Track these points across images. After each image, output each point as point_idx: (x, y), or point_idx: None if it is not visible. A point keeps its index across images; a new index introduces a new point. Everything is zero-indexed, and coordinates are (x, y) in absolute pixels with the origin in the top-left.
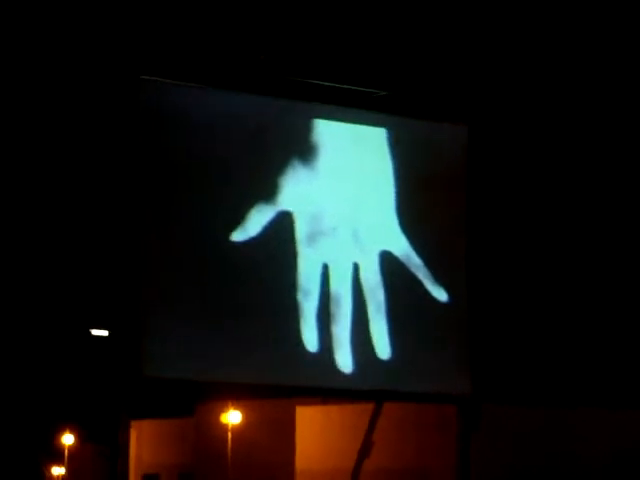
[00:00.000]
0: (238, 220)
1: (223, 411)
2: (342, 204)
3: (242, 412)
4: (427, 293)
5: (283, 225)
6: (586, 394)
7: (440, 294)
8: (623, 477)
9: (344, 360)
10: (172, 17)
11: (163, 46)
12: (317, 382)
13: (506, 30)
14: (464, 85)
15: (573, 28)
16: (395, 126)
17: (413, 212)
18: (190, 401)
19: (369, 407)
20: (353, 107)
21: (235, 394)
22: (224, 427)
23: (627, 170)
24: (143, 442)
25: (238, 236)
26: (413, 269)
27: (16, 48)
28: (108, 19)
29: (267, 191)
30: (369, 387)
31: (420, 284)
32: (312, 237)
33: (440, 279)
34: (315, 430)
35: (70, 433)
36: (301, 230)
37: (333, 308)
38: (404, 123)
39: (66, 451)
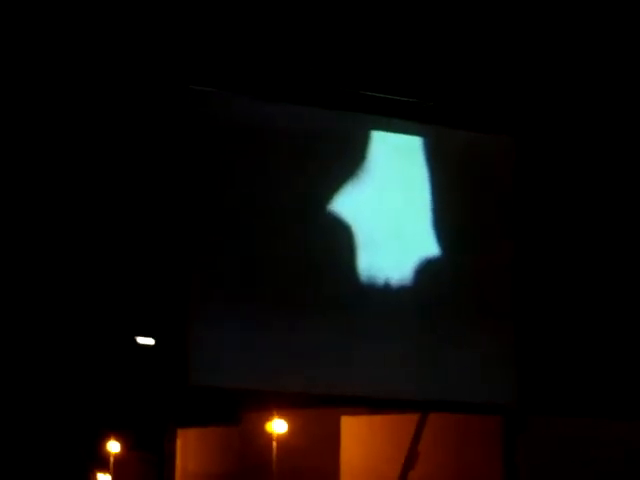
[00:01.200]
0: (288, 231)
1: (268, 420)
2: (390, 216)
3: (287, 421)
4: (471, 302)
5: (333, 237)
6: (633, 405)
7: (485, 302)
8: None
9: (391, 370)
10: (226, 27)
11: (217, 57)
12: (364, 392)
13: (554, 41)
14: (511, 96)
15: (620, 42)
16: (440, 137)
17: (456, 225)
18: (236, 410)
19: (414, 417)
20: (399, 117)
21: (281, 403)
22: (269, 436)
23: None
24: (188, 451)
25: (284, 249)
26: (457, 279)
27: (63, 53)
28: (160, 26)
29: (320, 201)
30: (415, 397)
31: (464, 293)
32: (363, 248)
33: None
34: (360, 440)
35: (116, 441)
36: (351, 242)
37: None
38: (449, 134)
39: (112, 458)
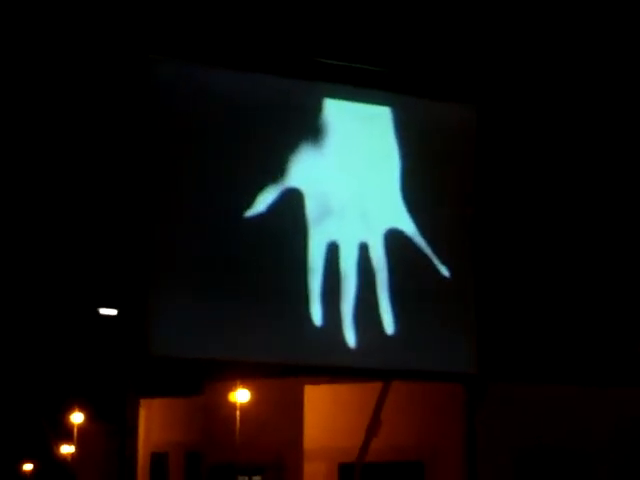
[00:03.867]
0: (247, 200)
1: (231, 390)
2: (350, 183)
3: (250, 391)
4: (434, 271)
5: (292, 204)
6: (592, 371)
7: (446, 272)
8: (630, 454)
9: (352, 338)
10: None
11: (173, 25)
12: (325, 360)
13: (515, 12)
14: (472, 65)
15: (584, 12)
16: (403, 105)
17: (420, 191)
18: (199, 380)
19: (377, 386)
20: (361, 86)
21: (243, 373)
22: (232, 406)
23: (633, 150)
24: (152, 421)
25: (246, 215)
26: (420, 247)
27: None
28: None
29: (276, 171)
30: (377, 366)
31: (427, 262)
32: (321, 216)
33: (446, 257)
34: (323, 409)
35: (79, 412)
36: (310, 209)
37: (341, 286)
38: (412, 102)
39: (75, 429)
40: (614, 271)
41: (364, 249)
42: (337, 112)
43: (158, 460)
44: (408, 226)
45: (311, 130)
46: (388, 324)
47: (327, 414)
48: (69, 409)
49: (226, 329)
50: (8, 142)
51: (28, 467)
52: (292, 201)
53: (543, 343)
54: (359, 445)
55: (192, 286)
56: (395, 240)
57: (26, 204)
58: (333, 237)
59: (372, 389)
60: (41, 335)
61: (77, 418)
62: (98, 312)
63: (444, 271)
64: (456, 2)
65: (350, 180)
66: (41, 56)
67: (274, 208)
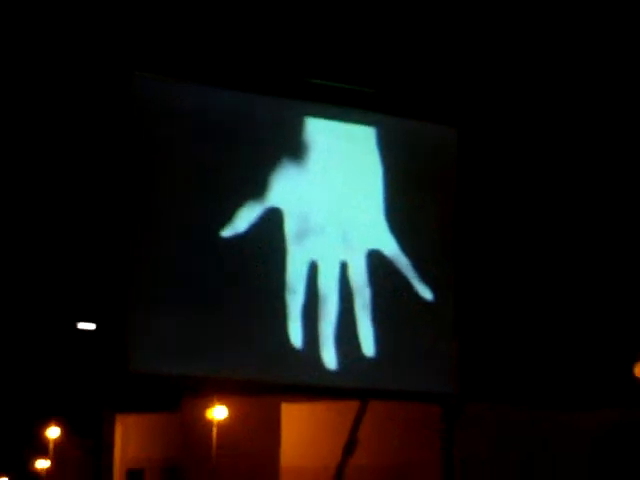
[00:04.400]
0: (226, 217)
1: (209, 407)
2: (331, 202)
3: (228, 408)
4: (414, 292)
5: (272, 222)
6: (569, 395)
7: (427, 294)
8: (603, 477)
9: (330, 358)
10: (165, 14)
11: (156, 42)
12: (302, 379)
13: (497, 34)
14: (454, 87)
15: (563, 32)
16: (385, 125)
17: (402, 212)
18: (176, 396)
19: (354, 405)
20: (343, 105)
21: (220, 390)
22: (209, 423)
23: (616, 172)
24: (129, 437)
25: (226, 233)
26: (401, 268)
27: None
28: (105, 14)
29: (256, 188)
30: (354, 385)
31: (407, 283)
32: (301, 235)
33: (427, 279)
34: (300, 427)
35: (56, 426)
36: (290, 228)
37: (320, 306)
38: (394, 122)
39: (51, 444)
40: (594, 294)
41: (344, 269)
42: (319, 131)
43: (134, 476)
44: (390, 246)
45: (292, 148)
46: (367, 344)
47: (304, 432)
48: (45, 423)
49: (205, 346)
50: None
51: None
52: (272, 219)
53: (523, 365)
54: (336, 464)
55: (171, 303)
56: (376, 260)
57: (2, 216)
58: (313, 256)
59: (349, 408)
60: (17, 349)
61: (53, 432)
62: (76, 327)
63: (425, 291)
64: (441, 24)
65: (331, 199)
66: (21, 68)
67: (254, 226)
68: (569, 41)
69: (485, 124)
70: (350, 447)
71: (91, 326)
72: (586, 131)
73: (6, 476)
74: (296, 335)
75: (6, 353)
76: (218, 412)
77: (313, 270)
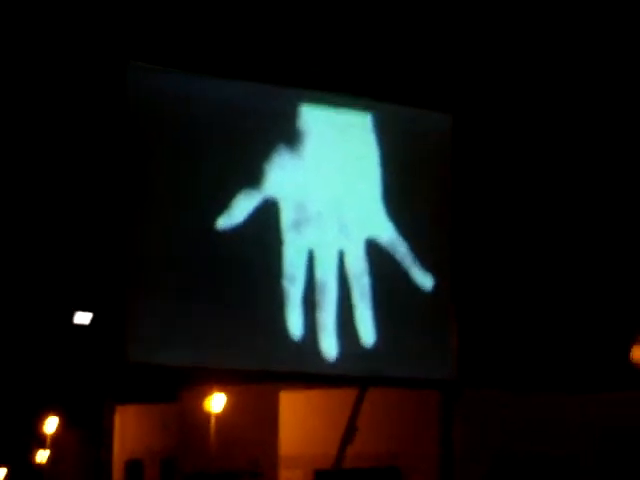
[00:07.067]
0: (224, 206)
1: (207, 396)
2: (328, 190)
3: (226, 398)
4: (412, 280)
5: (269, 211)
6: (569, 379)
7: (425, 281)
8: (609, 462)
9: (328, 346)
10: (159, 3)
11: (151, 32)
12: (301, 368)
13: (491, 21)
14: (450, 74)
15: (557, 21)
16: (380, 112)
17: (399, 199)
18: (174, 387)
19: (353, 393)
20: (338, 93)
21: (220, 380)
22: (207, 413)
23: (611, 156)
24: (127, 428)
25: (223, 222)
26: (398, 256)
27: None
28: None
29: (253, 177)
30: (353, 373)
31: (405, 271)
32: (298, 224)
33: (425, 266)
34: (299, 415)
35: (54, 417)
36: (287, 217)
37: (318, 295)
38: (389, 109)
39: (50, 435)
40: (593, 279)
41: (342, 257)
42: (314, 119)
43: (133, 467)
44: (388, 233)
45: (288, 136)
46: (366, 332)
47: (303, 420)
48: (44, 414)
49: (204, 336)
50: None
51: (1, 472)
52: (269, 208)
53: (521, 350)
54: (335, 452)
55: (170, 293)
56: (374, 248)
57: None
58: (310, 245)
59: (348, 396)
60: (16, 340)
61: (52, 423)
62: (74, 318)
63: (423, 278)
64: (436, 13)
65: (328, 187)
66: (20, 63)
67: (251, 215)
68: (563, 29)
69: (480, 110)
70: (349, 435)
71: (89, 317)
72: (581, 118)
73: (4, 467)
74: (295, 324)
75: (4, 344)
76: (216, 401)
77: (311, 259)
